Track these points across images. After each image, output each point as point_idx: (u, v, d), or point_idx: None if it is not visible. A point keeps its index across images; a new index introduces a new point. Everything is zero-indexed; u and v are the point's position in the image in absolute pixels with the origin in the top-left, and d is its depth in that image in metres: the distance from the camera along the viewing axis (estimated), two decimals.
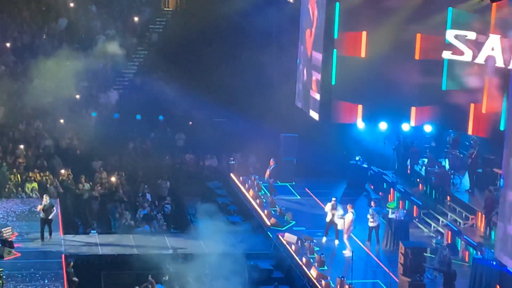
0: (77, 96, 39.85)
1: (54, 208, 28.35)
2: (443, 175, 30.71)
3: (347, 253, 26.84)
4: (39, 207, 28.17)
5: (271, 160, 33.88)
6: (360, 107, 32.29)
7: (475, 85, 29.99)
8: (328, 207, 28.47)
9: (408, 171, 33.55)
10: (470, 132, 30.99)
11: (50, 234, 28.12)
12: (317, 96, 33.01)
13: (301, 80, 35.57)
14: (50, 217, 28.01)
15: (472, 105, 30.36)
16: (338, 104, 32.39)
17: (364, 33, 31.35)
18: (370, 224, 28.43)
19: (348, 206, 27.90)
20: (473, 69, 29.96)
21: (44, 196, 28.77)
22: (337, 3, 31.65)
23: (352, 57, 31.67)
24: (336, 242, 28.29)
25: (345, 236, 27.59)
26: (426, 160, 32.72)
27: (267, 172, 33.74)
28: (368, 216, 28.38)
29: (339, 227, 27.95)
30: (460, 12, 30.28)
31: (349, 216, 27.60)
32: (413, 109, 32.18)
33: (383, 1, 31.26)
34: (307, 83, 34.42)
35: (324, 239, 28.56)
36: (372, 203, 28.99)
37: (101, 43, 41.04)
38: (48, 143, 37.05)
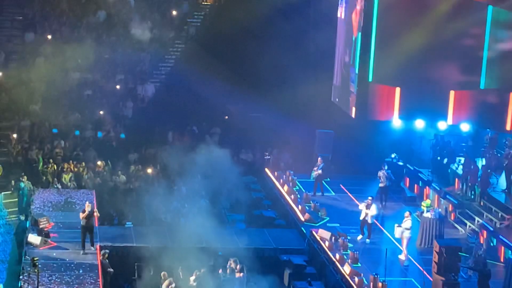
0: (118, 87, 40.17)
1: (95, 214, 27.19)
2: (483, 175, 30.38)
3: (402, 257, 26.70)
4: (82, 215, 26.61)
5: (319, 158, 33.62)
6: (398, 90, 31.92)
7: None
8: (362, 206, 28.38)
9: (445, 170, 33.25)
10: (508, 128, 30.58)
11: (93, 244, 26.63)
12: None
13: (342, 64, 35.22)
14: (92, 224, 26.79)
15: (511, 95, 29.94)
16: (376, 89, 32.16)
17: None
18: (380, 185, 31.46)
19: (406, 214, 27.33)
20: None
21: (87, 203, 27.38)
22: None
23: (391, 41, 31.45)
24: (368, 240, 28.25)
25: (404, 243, 27.01)
26: (462, 159, 32.45)
27: (316, 171, 33.18)
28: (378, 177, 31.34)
29: (400, 236, 27.32)
30: (500, 11, 29.96)
31: (407, 224, 27.06)
32: (452, 93, 31.61)
33: None
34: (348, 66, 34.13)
35: (359, 237, 28.49)
36: (383, 167, 31.58)
37: (139, 36, 41.27)
38: (86, 135, 37.39)
